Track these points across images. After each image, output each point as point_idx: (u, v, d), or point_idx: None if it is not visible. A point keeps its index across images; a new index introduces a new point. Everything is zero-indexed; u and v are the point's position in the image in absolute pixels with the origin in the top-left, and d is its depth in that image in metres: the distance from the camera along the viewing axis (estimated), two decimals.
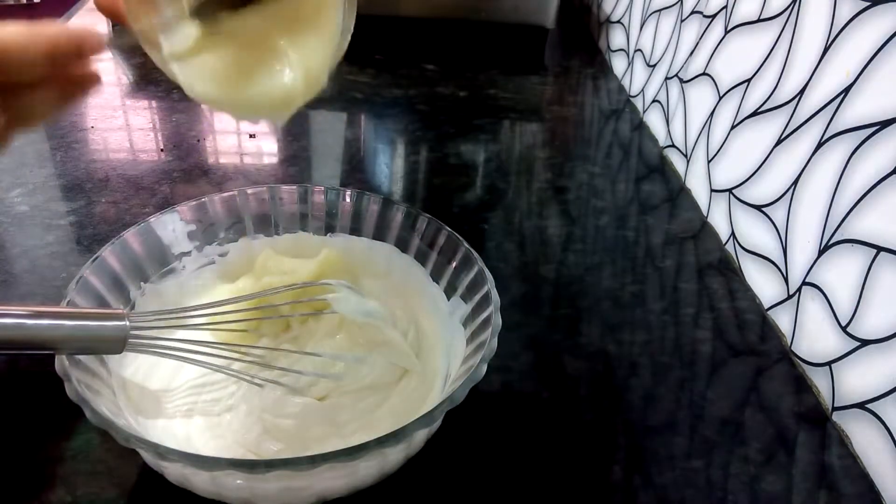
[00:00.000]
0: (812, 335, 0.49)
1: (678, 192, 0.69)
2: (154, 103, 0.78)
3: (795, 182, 0.52)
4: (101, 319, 0.36)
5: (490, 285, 0.41)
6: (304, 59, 0.36)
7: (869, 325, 0.44)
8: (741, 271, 0.59)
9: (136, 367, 0.41)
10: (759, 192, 0.57)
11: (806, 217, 0.51)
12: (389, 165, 0.73)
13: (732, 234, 0.61)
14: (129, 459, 0.39)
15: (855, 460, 0.44)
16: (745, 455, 0.43)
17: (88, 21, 0.96)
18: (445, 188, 0.68)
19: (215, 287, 0.48)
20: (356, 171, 0.70)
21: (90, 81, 0.34)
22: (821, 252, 0.49)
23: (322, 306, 0.43)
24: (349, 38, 0.37)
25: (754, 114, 0.58)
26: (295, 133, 0.75)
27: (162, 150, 0.70)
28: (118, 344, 0.36)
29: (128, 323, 0.36)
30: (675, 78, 0.74)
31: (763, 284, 0.56)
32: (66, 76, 0.32)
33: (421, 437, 0.37)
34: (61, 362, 0.34)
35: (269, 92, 0.36)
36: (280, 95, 0.36)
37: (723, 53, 0.64)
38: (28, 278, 0.52)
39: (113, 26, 0.94)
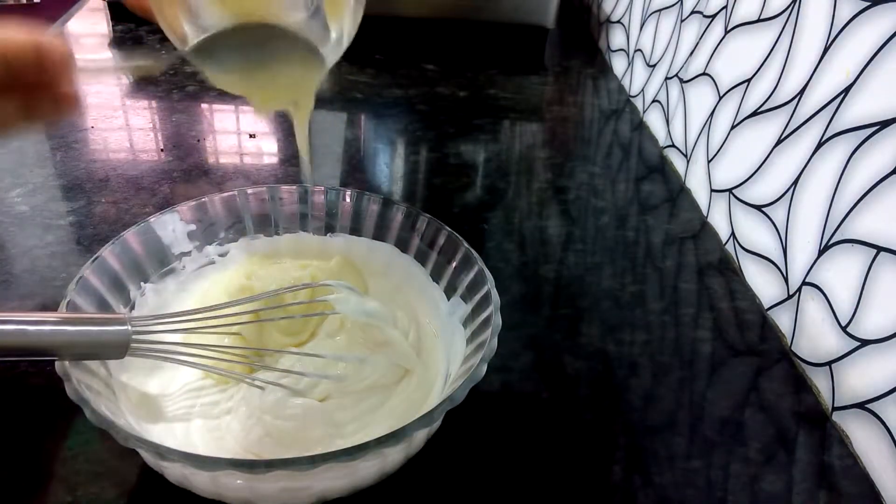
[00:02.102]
0: (812, 335, 0.49)
1: (678, 192, 0.69)
2: (154, 103, 0.78)
3: (795, 182, 0.52)
4: (103, 325, 0.36)
5: (490, 285, 0.41)
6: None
7: (869, 325, 0.44)
8: (741, 271, 0.59)
9: (135, 369, 0.41)
10: (759, 192, 0.57)
11: (806, 217, 0.51)
12: (389, 165, 0.73)
13: (732, 234, 0.61)
14: (129, 459, 0.39)
15: (855, 460, 0.44)
16: (745, 455, 0.43)
17: (89, 21, 0.96)
18: (445, 188, 0.68)
19: (216, 287, 0.48)
20: (356, 171, 0.70)
21: (64, 104, 0.32)
22: (821, 252, 0.49)
23: (323, 307, 0.43)
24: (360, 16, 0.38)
25: (754, 114, 0.58)
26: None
27: (162, 150, 0.70)
28: (120, 349, 0.36)
29: (129, 328, 0.36)
30: (675, 78, 0.74)
31: (763, 284, 0.56)
32: (33, 91, 0.31)
33: (421, 437, 0.37)
34: (61, 362, 0.34)
35: (289, 77, 0.37)
36: (299, 76, 0.37)
37: (723, 53, 0.64)
38: (28, 278, 0.52)
39: (114, 27, 0.95)
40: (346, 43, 0.38)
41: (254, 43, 0.36)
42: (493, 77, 0.91)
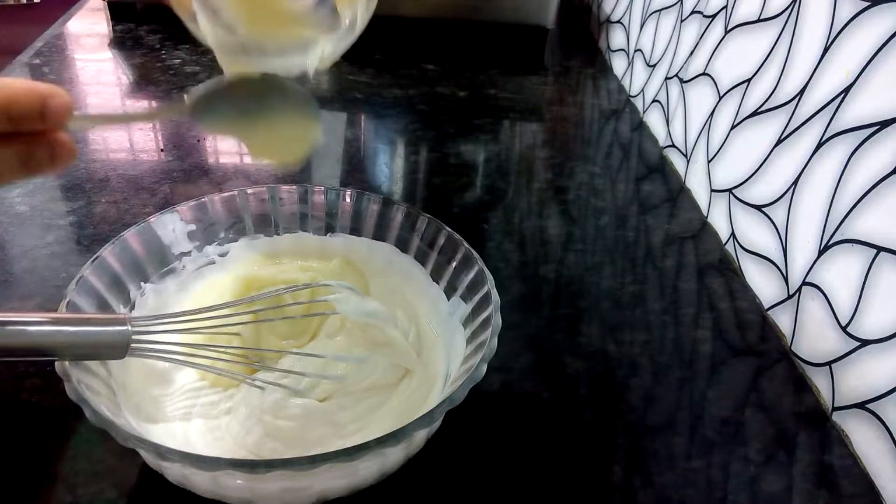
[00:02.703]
0: (812, 335, 0.49)
1: (678, 192, 0.69)
2: (154, 103, 0.78)
3: (795, 182, 0.52)
4: (103, 325, 0.36)
5: (490, 285, 0.41)
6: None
7: (869, 325, 0.44)
8: (741, 271, 0.59)
9: (135, 369, 0.41)
10: (759, 192, 0.57)
11: (806, 217, 0.51)
12: (389, 165, 0.73)
13: (732, 234, 0.61)
14: (129, 459, 0.39)
15: (855, 460, 0.44)
16: (745, 455, 0.43)
17: (88, 21, 0.96)
18: (445, 188, 0.68)
19: (216, 287, 0.48)
20: (356, 171, 0.70)
21: (61, 153, 0.31)
22: (821, 252, 0.49)
23: (323, 307, 0.43)
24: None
25: (754, 114, 0.58)
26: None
27: (162, 150, 0.70)
28: (120, 350, 0.36)
29: (129, 328, 0.36)
30: (675, 78, 0.74)
31: (763, 284, 0.56)
32: (31, 140, 0.30)
33: (421, 437, 0.37)
34: (61, 362, 0.34)
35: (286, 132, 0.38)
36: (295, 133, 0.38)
37: (723, 53, 0.64)
38: (28, 278, 0.52)
39: (114, 27, 0.95)
40: (358, 29, 0.38)
41: (252, 97, 0.36)
42: (493, 77, 0.91)
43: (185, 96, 0.34)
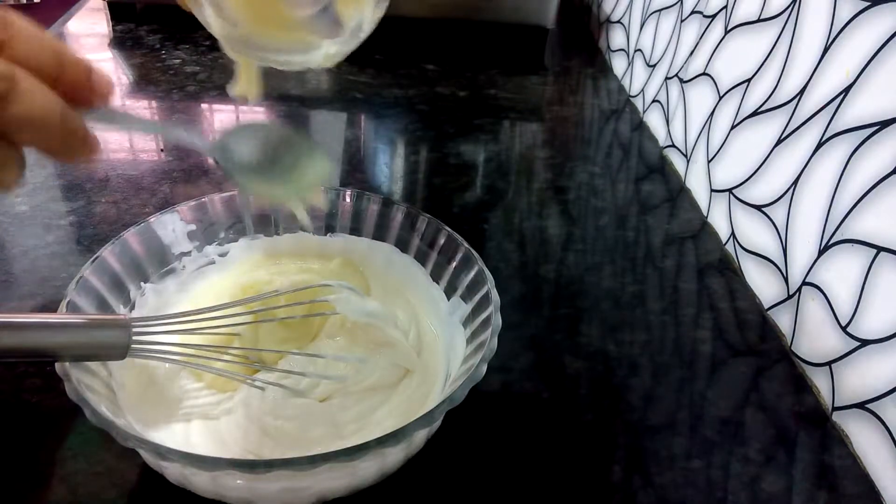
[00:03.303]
0: (812, 335, 0.49)
1: (678, 192, 0.69)
2: (154, 103, 0.78)
3: (795, 182, 0.52)
4: (103, 327, 0.36)
5: (490, 285, 0.41)
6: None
7: (869, 325, 0.44)
8: (741, 271, 0.59)
9: (135, 369, 0.41)
10: (759, 192, 0.57)
11: (806, 217, 0.51)
12: (389, 165, 0.73)
13: (732, 234, 0.61)
14: (129, 459, 0.39)
15: (855, 460, 0.44)
16: (745, 455, 0.43)
17: (88, 21, 0.96)
18: (445, 188, 0.68)
19: (216, 287, 0.48)
20: (356, 171, 0.70)
21: (88, 143, 0.31)
22: (821, 252, 0.49)
23: (324, 308, 0.43)
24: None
25: (754, 114, 0.58)
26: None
27: (162, 150, 0.70)
28: (120, 351, 0.35)
29: (130, 329, 0.36)
30: (675, 78, 0.74)
31: (763, 284, 0.56)
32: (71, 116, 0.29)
33: (421, 437, 0.37)
34: (61, 363, 0.34)
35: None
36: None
37: (723, 53, 0.64)
38: (28, 278, 0.52)
39: (114, 27, 0.95)
40: (365, 32, 0.38)
41: (269, 148, 0.37)
42: (493, 77, 0.91)
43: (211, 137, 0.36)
